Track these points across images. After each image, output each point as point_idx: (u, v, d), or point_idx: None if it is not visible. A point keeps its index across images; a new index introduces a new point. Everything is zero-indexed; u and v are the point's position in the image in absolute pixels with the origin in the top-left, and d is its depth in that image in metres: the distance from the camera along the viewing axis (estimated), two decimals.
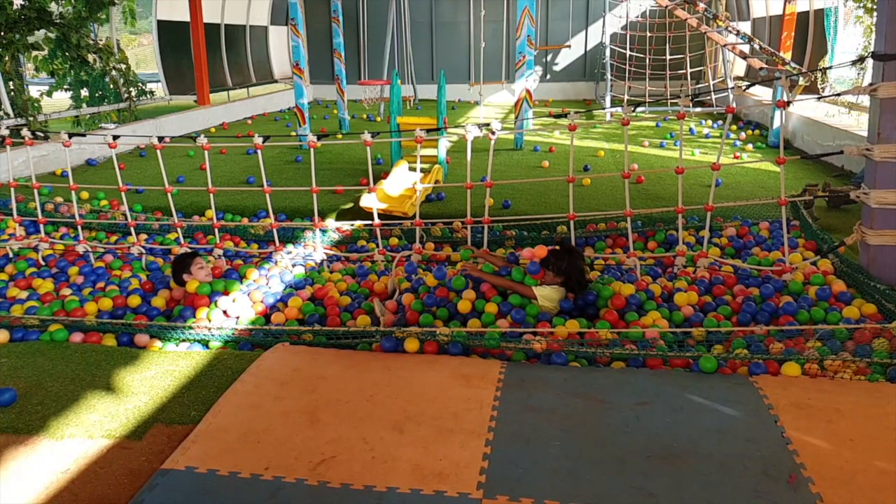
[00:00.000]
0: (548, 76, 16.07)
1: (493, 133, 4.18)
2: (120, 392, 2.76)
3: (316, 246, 4.64)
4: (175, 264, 4.05)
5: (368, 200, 5.17)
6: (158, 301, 3.88)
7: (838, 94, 4.22)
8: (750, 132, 9.79)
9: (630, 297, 3.59)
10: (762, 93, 11.41)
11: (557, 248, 3.56)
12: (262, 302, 3.82)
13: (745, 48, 9.33)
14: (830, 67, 8.39)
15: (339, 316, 3.75)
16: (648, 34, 13.54)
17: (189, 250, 4.38)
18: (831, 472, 2.06)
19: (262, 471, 2.12)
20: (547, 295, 3.46)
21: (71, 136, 4.52)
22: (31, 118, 8.65)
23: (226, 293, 3.75)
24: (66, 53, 9.57)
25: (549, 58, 16.00)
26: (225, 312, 3.63)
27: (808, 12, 10.06)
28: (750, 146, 8.66)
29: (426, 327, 3.30)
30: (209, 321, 3.52)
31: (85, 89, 10.24)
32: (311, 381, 2.71)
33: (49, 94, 9.85)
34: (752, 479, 2.04)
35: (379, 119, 12.04)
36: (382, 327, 3.35)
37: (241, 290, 3.85)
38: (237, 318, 3.64)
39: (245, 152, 8.83)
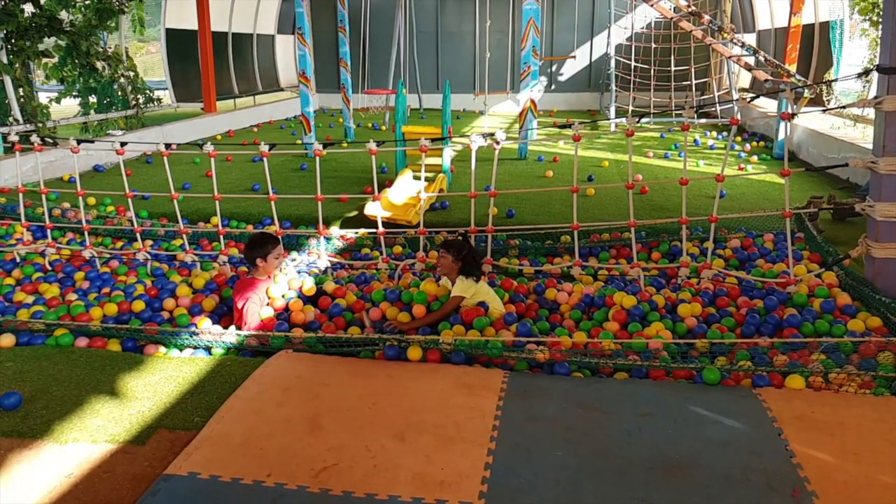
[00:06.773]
0: (552, 86, 16.12)
1: (497, 143, 4.20)
2: (124, 397, 2.77)
3: (320, 253, 4.66)
4: (254, 241, 3.83)
5: (373, 209, 5.19)
6: (184, 320, 3.74)
7: (843, 107, 4.22)
8: (755, 144, 9.79)
9: (633, 307, 3.60)
10: (767, 105, 11.42)
11: (451, 240, 4.04)
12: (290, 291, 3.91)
13: (751, 60, 9.35)
14: (836, 80, 8.39)
15: (326, 311, 3.82)
16: (653, 45, 13.59)
17: (269, 233, 4.11)
18: (835, 487, 2.05)
19: (265, 477, 2.12)
20: (462, 288, 3.71)
21: (79, 142, 4.56)
22: (40, 124, 8.74)
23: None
24: (76, 61, 9.66)
25: (553, 68, 16.06)
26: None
27: (813, 25, 10.08)
28: (755, 158, 8.65)
29: (429, 336, 3.30)
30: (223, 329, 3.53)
31: (93, 96, 10.33)
32: (313, 388, 2.71)
33: (58, 100, 9.95)
34: (755, 493, 2.03)
35: (384, 128, 12.09)
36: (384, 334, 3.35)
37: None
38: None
39: (251, 160, 8.88)
